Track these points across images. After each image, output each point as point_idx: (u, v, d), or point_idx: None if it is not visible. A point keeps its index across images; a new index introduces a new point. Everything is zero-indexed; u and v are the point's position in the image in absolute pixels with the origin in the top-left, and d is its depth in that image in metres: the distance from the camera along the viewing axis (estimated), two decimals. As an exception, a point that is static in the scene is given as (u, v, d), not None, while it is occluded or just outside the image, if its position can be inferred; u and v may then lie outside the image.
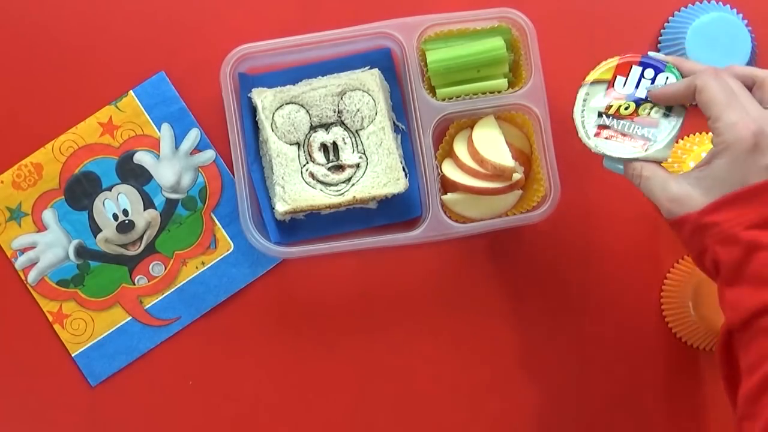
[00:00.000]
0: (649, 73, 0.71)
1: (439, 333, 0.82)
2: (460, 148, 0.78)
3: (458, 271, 0.82)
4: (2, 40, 0.82)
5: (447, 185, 0.79)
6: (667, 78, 0.70)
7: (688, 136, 0.82)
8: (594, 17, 0.84)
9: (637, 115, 0.70)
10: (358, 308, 0.82)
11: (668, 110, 0.69)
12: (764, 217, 0.55)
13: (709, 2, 0.82)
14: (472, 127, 0.78)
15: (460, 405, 0.82)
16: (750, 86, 0.60)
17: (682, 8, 0.82)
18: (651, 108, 0.70)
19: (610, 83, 0.71)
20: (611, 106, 0.71)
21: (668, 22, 0.82)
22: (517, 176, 0.76)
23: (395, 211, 0.80)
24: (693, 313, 0.78)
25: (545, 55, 0.76)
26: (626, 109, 0.71)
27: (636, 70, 0.71)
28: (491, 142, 0.77)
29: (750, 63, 0.80)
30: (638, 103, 0.70)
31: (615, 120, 0.71)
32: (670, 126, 0.69)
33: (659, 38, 0.82)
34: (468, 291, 0.82)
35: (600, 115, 0.71)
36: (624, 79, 0.71)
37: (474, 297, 0.82)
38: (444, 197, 0.78)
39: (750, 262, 0.55)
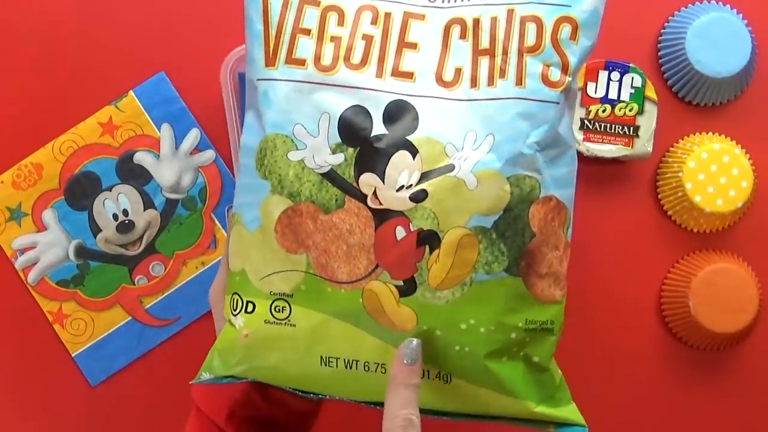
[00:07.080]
0: (615, 75, 0.78)
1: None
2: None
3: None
4: (2, 41, 0.82)
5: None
6: (633, 79, 0.77)
7: (688, 136, 0.81)
8: (594, 17, 0.84)
9: (615, 115, 0.76)
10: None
11: (641, 108, 0.76)
12: None
13: (709, 2, 0.82)
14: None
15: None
16: None
17: (682, 8, 0.82)
18: (626, 107, 0.76)
19: (584, 90, 0.76)
20: (590, 111, 0.76)
21: (668, 22, 0.82)
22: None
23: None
24: (693, 313, 0.78)
25: (545, 55, 0.76)
26: (604, 111, 0.77)
27: (603, 74, 0.77)
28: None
29: (750, 63, 0.80)
30: (613, 104, 0.76)
31: (597, 123, 0.76)
32: (647, 122, 0.76)
33: (659, 38, 0.82)
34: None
35: (582, 121, 0.77)
36: (594, 84, 0.77)
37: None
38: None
39: None
